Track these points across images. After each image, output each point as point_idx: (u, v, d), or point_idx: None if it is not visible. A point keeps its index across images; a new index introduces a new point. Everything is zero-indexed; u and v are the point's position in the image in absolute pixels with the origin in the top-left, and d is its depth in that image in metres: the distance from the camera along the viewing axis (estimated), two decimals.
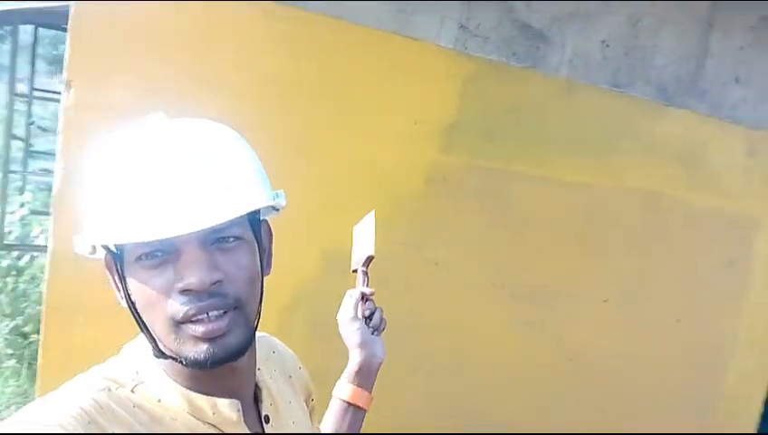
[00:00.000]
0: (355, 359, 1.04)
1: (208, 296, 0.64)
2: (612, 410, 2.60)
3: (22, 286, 4.34)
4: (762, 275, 2.82)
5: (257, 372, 0.81)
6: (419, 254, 1.94)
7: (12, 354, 3.85)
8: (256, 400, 0.80)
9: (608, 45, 2.08)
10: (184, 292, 0.64)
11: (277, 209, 0.76)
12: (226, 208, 0.64)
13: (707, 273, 2.66)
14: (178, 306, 0.64)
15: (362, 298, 1.08)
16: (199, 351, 0.65)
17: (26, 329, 3.99)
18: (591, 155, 2.19)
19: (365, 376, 1.04)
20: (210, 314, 0.64)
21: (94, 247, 0.69)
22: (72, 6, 1.45)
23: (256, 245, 0.73)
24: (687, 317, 2.67)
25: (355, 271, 1.15)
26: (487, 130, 1.96)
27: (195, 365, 0.66)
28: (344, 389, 1.03)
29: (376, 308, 1.09)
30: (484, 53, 1.88)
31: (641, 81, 2.20)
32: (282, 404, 0.84)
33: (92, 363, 0.73)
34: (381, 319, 1.09)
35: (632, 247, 2.42)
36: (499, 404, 2.28)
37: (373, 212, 1.14)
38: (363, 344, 1.03)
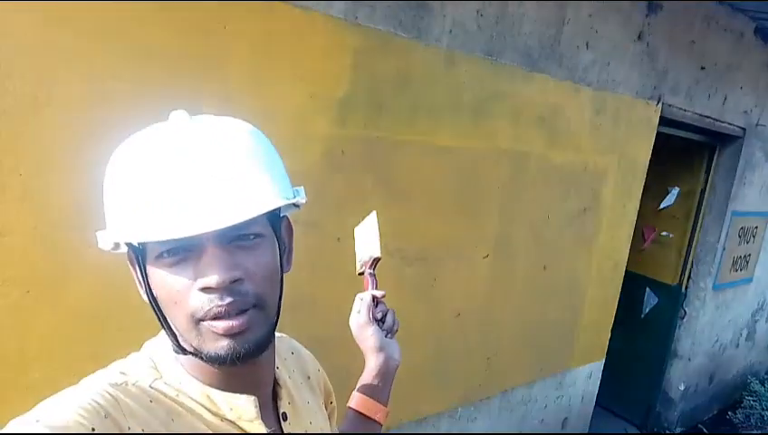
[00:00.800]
0: (372, 363, 1.02)
1: (228, 294, 0.65)
2: (497, 356, 2.82)
3: None
4: (607, 220, 3.19)
5: (276, 370, 0.82)
6: (320, 230, 1.92)
7: None
8: (275, 398, 0.81)
9: (482, 15, 2.16)
10: (204, 290, 0.64)
11: (297, 206, 0.76)
12: (247, 207, 0.64)
13: (566, 221, 2.95)
14: (198, 304, 0.64)
15: (373, 301, 1.06)
16: (220, 347, 0.66)
17: None
18: (469, 121, 2.29)
19: (383, 381, 1.03)
20: (230, 312, 0.65)
21: (117, 244, 0.69)
22: None
23: (276, 242, 0.73)
24: (552, 263, 2.95)
25: (361, 274, 1.12)
26: (378, 102, 1.96)
27: (215, 361, 0.67)
28: (360, 400, 1.01)
29: (388, 310, 1.08)
30: (373, 23, 1.86)
31: (510, 48, 2.33)
32: (300, 404, 0.84)
33: None
34: (394, 321, 1.08)
35: (505, 204, 2.60)
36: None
37: (374, 213, 1.11)
38: (380, 348, 1.03)
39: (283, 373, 0.84)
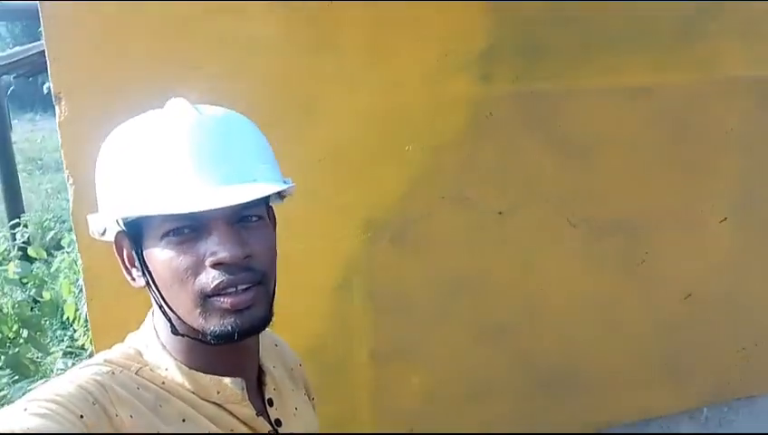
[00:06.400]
0: None
1: (239, 270, 0.67)
2: (759, 345, 2.21)
3: None
4: None
5: (261, 358, 0.83)
6: (476, 205, 1.70)
7: None
8: (260, 384, 0.82)
9: None
10: (216, 266, 0.66)
11: (283, 197, 0.79)
12: (257, 187, 0.67)
13: None
14: (209, 280, 0.66)
15: None
16: (226, 323, 0.67)
17: None
18: (669, 48, 1.80)
19: None
20: (239, 287, 0.67)
21: (105, 229, 0.73)
22: (42, 7, 1.34)
23: (272, 227, 0.78)
24: None
25: None
26: (531, 47, 1.65)
27: (221, 338, 0.68)
28: None
29: None
30: None
31: None
32: (285, 391, 0.86)
33: None
34: None
35: (747, 150, 2.00)
36: (605, 358, 2.00)
37: None
38: None
39: (267, 363, 0.85)
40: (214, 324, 0.68)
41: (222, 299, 0.67)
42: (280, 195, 0.78)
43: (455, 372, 1.80)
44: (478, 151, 1.67)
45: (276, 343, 0.95)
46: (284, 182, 0.74)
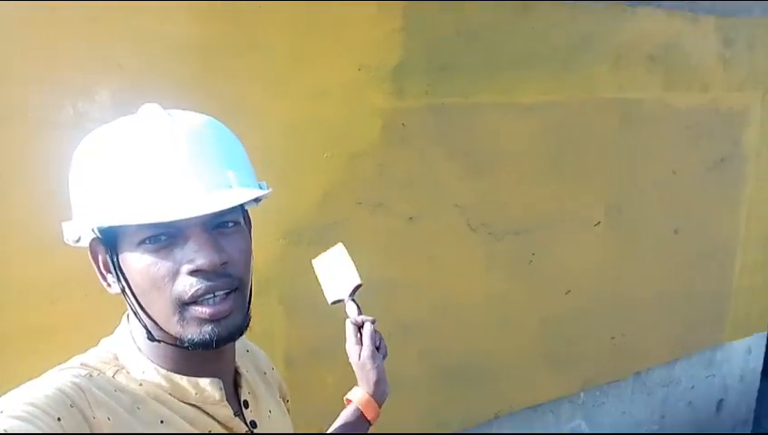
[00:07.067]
0: (371, 391, 1.02)
1: (217, 277, 0.67)
2: (624, 334, 2.51)
3: None
4: (754, 169, 2.70)
5: (236, 361, 0.84)
6: (389, 210, 1.79)
7: None
8: (235, 387, 0.82)
9: None
10: (193, 273, 0.66)
11: (258, 200, 0.77)
12: (234, 192, 0.67)
13: (698, 175, 2.53)
14: (186, 287, 0.66)
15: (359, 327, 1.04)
16: (204, 332, 0.68)
17: None
18: (558, 71, 2.02)
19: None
20: (217, 293, 0.67)
21: (80, 237, 0.71)
22: None
23: (248, 231, 0.77)
24: (685, 225, 2.56)
25: (335, 302, 1.09)
26: (439, 64, 1.78)
27: (198, 346, 0.68)
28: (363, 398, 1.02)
29: (381, 337, 1.06)
30: None
31: None
32: (259, 394, 0.86)
33: None
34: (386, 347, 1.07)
35: (615, 162, 2.28)
36: (500, 350, 2.18)
37: (341, 244, 1.11)
38: (380, 381, 1.02)
39: (241, 367, 0.85)
40: (192, 332, 0.68)
41: (200, 308, 0.67)
42: (256, 199, 0.77)
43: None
44: (391, 160, 1.76)
45: (248, 348, 0.95)
46: (260, 187, 0.74)
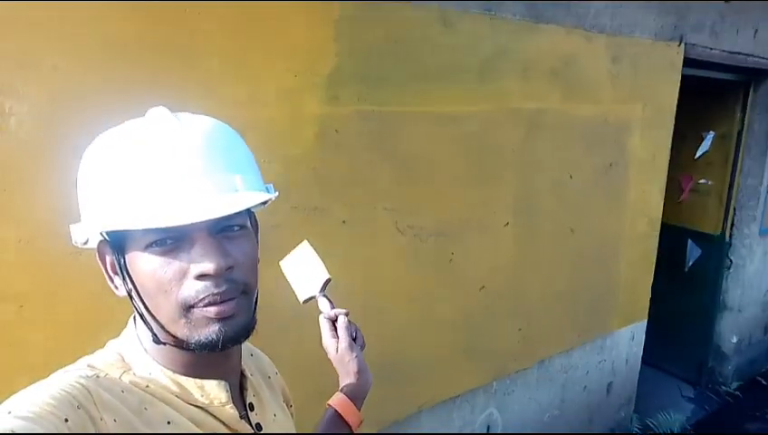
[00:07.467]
0: (351, 387, 1.02)
1: (223, 281, 0.68)
2: (529, 326, 2.71)
3: None
4: (636, 174, 3.02)
5: (243, 363, 0.84)
6: (324, 215, 1.84)
7: None
8: (241, 390, 0.83)
9: None
10: (200, 277, 0.67)
11: (264, 203, 0.77)
12: (240, 196, 0.67)
13: (591, 179, 2.80)
14: (192, 291, 0.67)
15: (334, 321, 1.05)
16: (211, 332, 0.68)
17: None
18: (475, 83, 2.16)
19: (361, 401, 1.04)
20: (223, 298, 0.68)
21: (87, 239, 0.71)
22: None
23: (255, 234, 0.77)
24: (579, 225, 2.81)
25: (307, 301, 1.10)
26: (371, 74, 1.85)
27: (205, 347, 0.68)
28: (342, 402, 1.01)
29: (357, 328, 1.08)
30: None
31: (510, 0, 2.18)
32: (264, 397, 0.87)
33: None
34: (362, 336, 1.08)
35: (523, 167, 2.46)
36: (424, 346, 2.29)
37: (306, 242, 1.13)
38: (362, 371, 1.03)
39: (246, 369, 0.86)
40: (198, 333, 0.68)
41: (206, 309, 0.67)
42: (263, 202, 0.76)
43: (306, 371, 1.90)
44: (326, 165, 1.81)
45: (252, 352, 0.95)
46: (266, 190, 0.74)
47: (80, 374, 0.67)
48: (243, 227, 0.72)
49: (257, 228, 0.81)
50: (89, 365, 0.70)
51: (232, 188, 0.68)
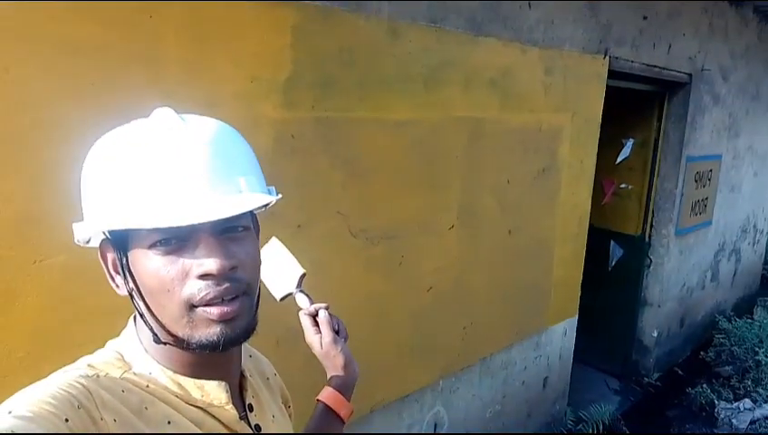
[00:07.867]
0: (339, 380, 1.03)
1: (225, 281, 0.68)
2: (473, 325, 2.82)
3: None
4: (566, 178, 3.20)
5: (242, 364, 0.85)
6: (279, 219, 1.86)
7: None
8: (241, 389, 0.84)
9: None
10: (203, 277, 0.67)
11: (266, 206, 0.77)
12: (244, 198, 0.68)
13: (527, 183, 2.95)
14: (195, 290, 0.67)
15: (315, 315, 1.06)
16: (212, 333, 0.69)
17: None
18: (421, 92, 2.25)
19: (350, 391, 1.05)
20: (225, 298, 0.68)
21: (90, 238, 0.72)
22: None
23: (256, 235, 0.79)
24: (517, 226, 2.95)
25: (284, 298, 1.10)
26: (324, 80, 1.90)
27: (206, 348, 0.69)
28: (331, 395, 1.03)
29: (339, 321, 1.09)
30: None
31: (454, 14, 2.28)
32: (263, 399, 0.87)
33: None
34: (345, 328, 1.09)
35: (465, 173, 2.57)
36: (376, 347, 2.34)
37: (275, 238, 1.13)
38: (348, 364, 1.05)
39: (245, 371, 0.86)
40: (200, 334, 0.69)
41: (208, 309, 0.68)
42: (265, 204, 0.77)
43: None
44: (282, 169, 1.83)
45: (251, 353, 0.95)
46: (269, 192, 0.76)
47: (80, 374, 0.67)
48: (246, 228, 0.73)
49: (259, 230, 0.82)
50: (89, 365, 0.70)
51: (236, 190, 0.69)
